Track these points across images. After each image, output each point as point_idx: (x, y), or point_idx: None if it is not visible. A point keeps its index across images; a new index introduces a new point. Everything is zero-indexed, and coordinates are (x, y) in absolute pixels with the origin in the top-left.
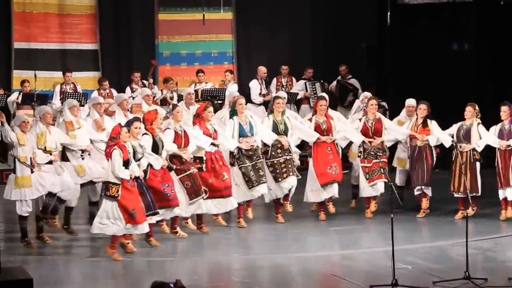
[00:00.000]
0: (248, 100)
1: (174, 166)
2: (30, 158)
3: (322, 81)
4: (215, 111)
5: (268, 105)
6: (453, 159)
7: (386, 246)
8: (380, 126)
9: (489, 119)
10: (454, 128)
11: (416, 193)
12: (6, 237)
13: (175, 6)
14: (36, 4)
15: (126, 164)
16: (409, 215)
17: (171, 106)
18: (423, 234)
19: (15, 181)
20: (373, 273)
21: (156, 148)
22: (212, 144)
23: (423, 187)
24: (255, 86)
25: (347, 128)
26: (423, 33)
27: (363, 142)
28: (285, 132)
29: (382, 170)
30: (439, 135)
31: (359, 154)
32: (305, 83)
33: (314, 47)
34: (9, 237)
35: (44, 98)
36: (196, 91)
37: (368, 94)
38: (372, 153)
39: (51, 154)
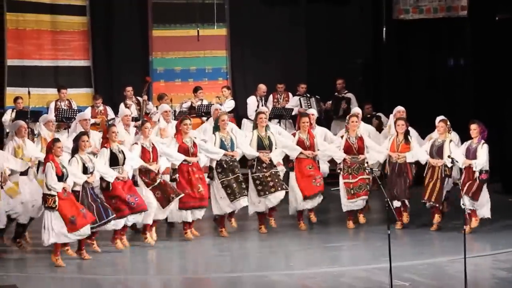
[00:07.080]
0: (245, 116)
1: (138, 181)
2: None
3: (318, 96)
4: None
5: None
6: (424, 174)
7: (383, 262)
8: (362, 143)
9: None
10: (428, 145)
11: (395, 205)
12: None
13: (169, 23)
14: (29, 21)
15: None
16: (404, 231)
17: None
18: (420, 250)
19: None
20: None
21: (115, 160)
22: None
23: (405, 200)
24: (252, 103)
25: (329, 146)
26: (419, 49)
27: (344, 158)
28: (270, 147)
29: (367, 186)
30: (415, 152)
31: (339, 171)
32: (299, 98)
33: (309, 63)
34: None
35: (38, 115)
36: (193, 107)
37: (357, 109)
38: (356, 169)
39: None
